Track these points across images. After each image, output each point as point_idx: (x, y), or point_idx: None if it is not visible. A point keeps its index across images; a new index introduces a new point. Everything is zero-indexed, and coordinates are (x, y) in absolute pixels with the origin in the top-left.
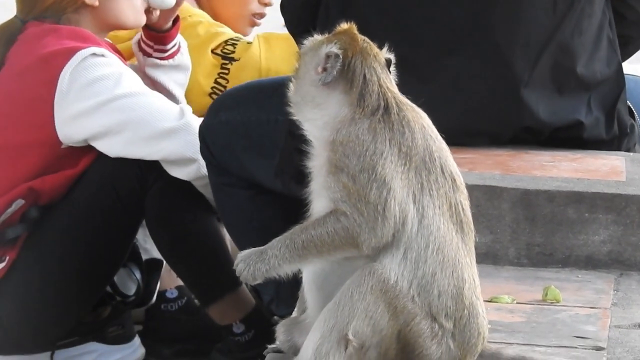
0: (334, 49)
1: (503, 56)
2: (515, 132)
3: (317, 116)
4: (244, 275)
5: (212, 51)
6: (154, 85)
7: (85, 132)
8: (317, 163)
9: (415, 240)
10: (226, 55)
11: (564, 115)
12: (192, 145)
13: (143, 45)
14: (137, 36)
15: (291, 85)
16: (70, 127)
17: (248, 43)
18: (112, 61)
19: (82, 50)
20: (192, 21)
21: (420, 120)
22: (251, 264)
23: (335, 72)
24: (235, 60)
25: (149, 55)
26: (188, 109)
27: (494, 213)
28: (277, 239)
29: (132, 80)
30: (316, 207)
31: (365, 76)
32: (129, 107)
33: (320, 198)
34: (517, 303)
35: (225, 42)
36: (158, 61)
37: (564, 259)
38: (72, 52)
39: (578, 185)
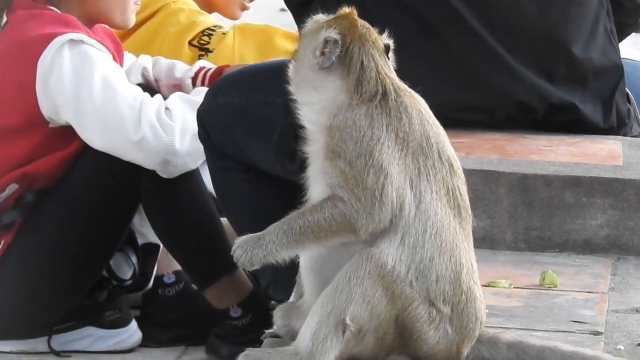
0: (333, 34)
1: (487, 38)
2: (510, 108)
3: (314, 100)
4: (241, 261)
5: (189, 43)
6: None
7: (66, 119)
8: (314, 148)
9: (412, 225)
10: (202, 46)
11: (559, 95)
12: (154, 155)
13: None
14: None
15: (291, 66)
16: (53, 112)
17: (223, 34)
18: (89, 50)
19: (60, 37)
20: (175, 8)
21: (418, 105)
22: (249, 250)
23: (333, 58)
24: (210, 51)
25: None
26: (145, 106)
27: (492, 197)
28: (275, 224)
29: (105, 72)
30: (313, 192)
31: (362, 63)
32: (97, 102)
33: (317, 183)
34: (514, 287)
35: (202, 32)
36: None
37: (562, 244)
38: (50, 38)
39: (575, 169)
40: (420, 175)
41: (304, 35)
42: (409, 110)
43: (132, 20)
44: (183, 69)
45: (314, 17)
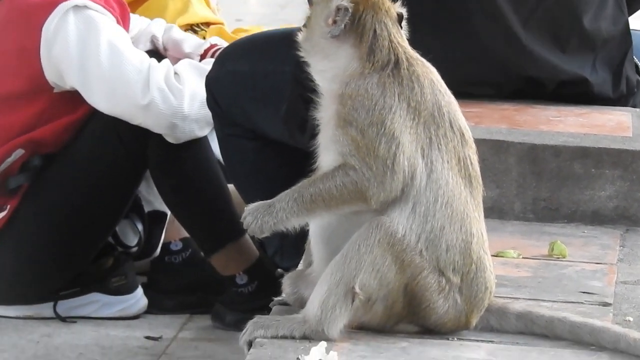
0: (345, 2)
1: (501, 9)
2: (519, 83)
3: (326, 67)
4: (251, 228)
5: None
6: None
7: (72, 84)
8: (325, 115)
9: (424, 194)
10: None
11: (569, 70)
12: (162, 118)
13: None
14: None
15: (302, 32)
16: (58, 78)
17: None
18: (94, 15)
19: (64, 3)
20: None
21: (430, 75)
22: (259, 217)
23: (343, 26)
24: None
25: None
26: (153, 69)
27: (501, 167)
28: (285, 192)
29: (111, 36)
30: (324, 160)
31: (375, 31)
32: (104, 67)
33: (328, 151)
34: (523, 258)
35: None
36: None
37: (570, 214)
38: (54, 4)
39: (584, 140)
40: (431, 144)
41: (316, 2)
42: (421, 79)
43: None
44: (194, 44)
45: None
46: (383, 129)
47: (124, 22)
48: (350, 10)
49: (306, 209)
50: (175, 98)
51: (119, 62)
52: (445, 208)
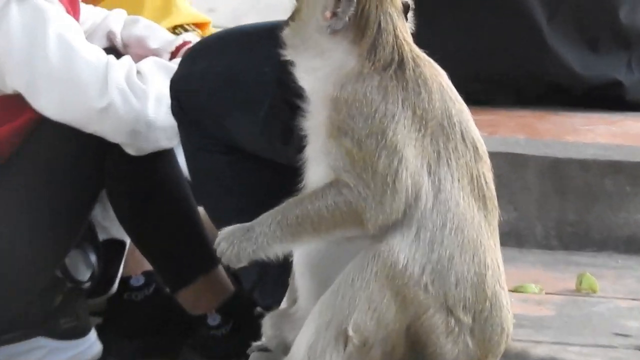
0: None
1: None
2: (542, 88)
3: (318, 65)
4: (226, 255)
5: None
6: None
7: (14, 85)
8: (314, 123)
9: (430, 217)
10: None
11: (599, 73)
12: (122, 124)
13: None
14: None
15: (289, 25)
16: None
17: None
18: (40, 4)
19: None
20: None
21: (439, 78)
22: (236, 243)
23: (346, 19)
24: None
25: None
26: (112, 67)
27: (518, 185)
28: (267, 213)
29: (61, 29)
30: (312, 176)
31: (380, 24)
32: (53, 65)
33: (317, 165)
34: (545, 293)
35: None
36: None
37: (601, 241)
38: None
39: (617, 152)
40: (440, 159)
41: None
42: (428, 83)
43: None
44: (162, 39)
45: None
46: (384, 141)
47: (74, 12)
48: (354, 1)
49: (291, 234)
50: (138, 100)
51: (70, 58)
52: (455, 234)
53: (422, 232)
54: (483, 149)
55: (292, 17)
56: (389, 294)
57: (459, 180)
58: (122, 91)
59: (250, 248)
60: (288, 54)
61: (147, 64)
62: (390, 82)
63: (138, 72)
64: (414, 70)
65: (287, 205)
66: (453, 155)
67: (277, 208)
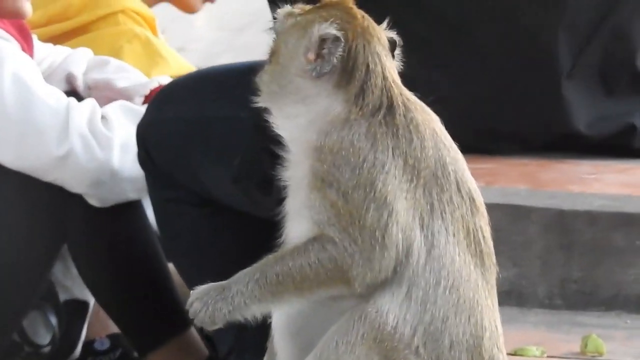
0: (332, 29)
1: (541, 39)
2: (549, 137)
3: (299, 112)
4: (200, 317)
5: None
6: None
7: None
8: (295, 173)
9: (422, 275)
10: None
11: (613, 120)
12: (84, 174)
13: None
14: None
15: (265, 71)
16: None
17: None
18: None
19: None
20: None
21: (432, 124)
22: (210, 303)
23: (334, 61)
24: None
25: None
26: (73, 111)
27: (519, 240)
28: (244, 271)
29: (16, 68)
30: (293, 231)
31: (368, 66)
32: (9, 109)
33: (299, 219)
34: (548, 357)
35: None
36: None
37: (609, 300)
38: None
39: (628, 204)
40: (433, 212)
41: (286, 32)
42: (420, 129)
43: (26, 8)
44: (135, 80)
45: (284, 10)
46: (372, 193)
47: (28, 50)
48: (342, 40)
49: (271, 293)
50: (102, 149)
51: (27, 99)
52: (450, 293)
53: (414, 291)
54: (480, 201)
55: (271, 60)
56: (377, 358)
57: (454, 234)
58: (84, 137)
59: (226, 309)
60: (263, 102)
61: (113, 108)
62: (380, 129)
63: (103, 117)
64: (404, 116)
65: (266, 262)
66: (448, 207)
67: (255, 265)
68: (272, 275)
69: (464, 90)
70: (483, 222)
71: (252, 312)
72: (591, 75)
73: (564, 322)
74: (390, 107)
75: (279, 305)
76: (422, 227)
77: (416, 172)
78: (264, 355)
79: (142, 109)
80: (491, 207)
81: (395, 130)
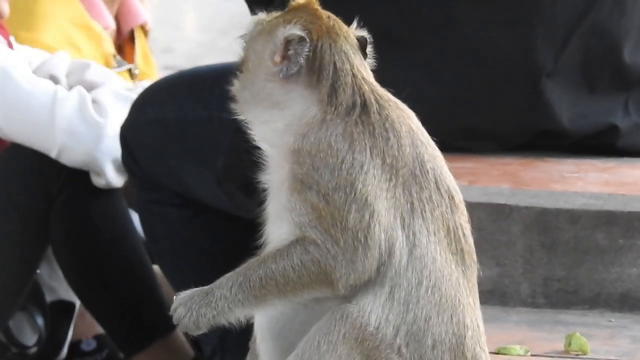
0: (296, 30)
1: (520, 36)
2: (530, 136)
3: (275, 117)
4: (184, 322)
5: None
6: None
7: None
8: (275, 177)
9: (404, 275)
10: None
11: (595, 119)
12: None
13: None
14: None
15: (236, 81)
16: None
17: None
18: None
19: None
20: None
21: (407, 120)
22: (194, 309)
23: (301, 61)
24: None
25: None
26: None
27: (502, 239)
28: (227, 275)
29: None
30: (274, 233)
31: (335, 64)
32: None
33: (279, 221)
34: (531, 355)
35: None
36: None
37: (592, 298)
38: None
39: (609, 202)
40: (413, 211)
41: (253, 39)
42: (396, 127)
43: (4, 8)
44: (119, 84)
45: (254, 17)
46: (353, 194)
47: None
48: (307, 40)
49: (254, 297)
50: (93, 137)
51: (14, 91)
52: (432, 293)
53: (397, 291)
54: (459, 198)
55: (240, 68)
56: (359, 358)
57: (434, 233)
58: (70, 134)
59: (210, 314)
60: (240, 111)
61: (104, 92)
62: (356, 129)
63: (94, 102)
64: (379, 113)
65: (249, 266)
66: (427, 206)
67: (238, 269)
68: (256, 279)
69: (443, 88)
70: (463, 219)
71: (236, 316)
72: (572, 73)
73: (547, 320)
74: (364, 106)
75: (262, 308)
76: (403, 226)
77: (394, 171)
78: (246, 355)
79: (131, 94)
80: (473, 207)
81: (371, 129)
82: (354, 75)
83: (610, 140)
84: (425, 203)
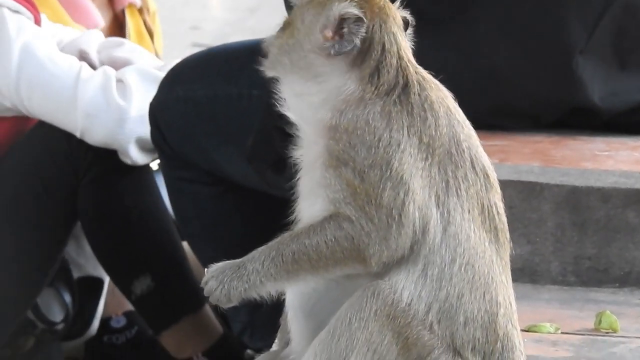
0: (353, 9)
1: (553, 14)
2: (562, 114)
3: (312, 90)
4: (215, 295)
5: None
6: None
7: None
8: (309, 153)
9: (438, 253)
10: None
11: (626, 97)
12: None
13: None
14: None
15: (275, 41)
16: None
17: None
18: (5, 13)
19: None
20: None
21: (446, 101)
22: (226, 281)
23: (356, 41)
24: None
25: None
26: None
27: (533, 217)
28: (259, 249)
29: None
30: (307, 210)
31: (384, 45)
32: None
33: (313, 198)
34: (562, 333)
35: None
36: None
37: (623, 277)
38: None
39: None
40: (448, 189)
41: (303, 6)
42: (435, 107)
43: None
44: (151, 64)
45: None
46: (389, 172)
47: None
48: (365, 21)
49: (286, 271)
50: (114, 120)
51: (39, 72)
52: (465, 270)
53: (430, 268)
54: (494, 177)
55: (284, 32)
56: (390, 334)
57: (469, 211)
58: (90, 117)
59: (241, 287)
60: (268, 70)
61: (130, 71)
62: (394, 108)
63: (119, 81)
64: (419, 94)
65: (282, 241)
66: (463, 184)
67: (270, 243)
68: (288, 253)
69: (475, 67)
70: (497, 198)
71: (268, 290)
72: (604, 52)
73: (578, 299)
74: (405, 86)
75: (294, 283)
76: (437, 204)
77: (431, 150)
78: (276, 332)
79: (159, 73)
80: (504, 184)
81: (410, 109)
82: (399, 57)
83: None
84: (461, 181)
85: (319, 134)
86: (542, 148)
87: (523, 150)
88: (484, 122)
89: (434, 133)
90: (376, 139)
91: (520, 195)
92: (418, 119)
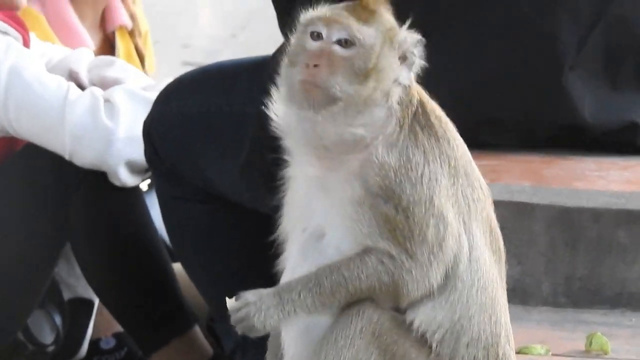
0: (414, 34)
1: (542, 29)
2: (552, 130)
3: (357, 122)
4: (250, 322)
5: None
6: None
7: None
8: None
9: (461, 278)
10: None
11: (616, 115)
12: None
13: None
14: None
15: (353, 87)
16: None
17: None
18: None
19: None
20: None
21: (448, 119)
22: (264, 309)
23: (420, 62)
24: None
25: None
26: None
27: (524, 237)
28: (295, 280)
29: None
30: (331, 239)
31: None
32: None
33: (335, 228)
34: (552, 355)
35: None
36: None
37: (614, 298)
38: None
39: (631, 201)
40: (470, 213)
41: (380, 31)
42: (450, 126)
43: (21, 0)
44: (143, 83)
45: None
46: (432, 208)
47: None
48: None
49: (322, 303)
50: (101, 142)
51: (25, 93)
52: (481, 294)
53: (452, 293)
54: (489, 193)
55: (365, 76)
56: (377, 352)
57: (483, 232)
58: (77, 138)
59: (277, 316)
60: (335, 114)
61: (118, 92)
62: (424, 135)
63: (107, 101)
64: (434, 113)
65: (321, 272)
66: (478, 206)
67: (307, 274)
68: (328, 285)
69: (463, 80)
70: (494, 214)
71: (297, 320)
72: (594, 67)
73: (569, 320)
74: (423, 108)
75: (321, 313)
76: (465, 231)
77: (454, 172)
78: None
79: (146, 94)
80: (495, 204)
81: (434, 132)
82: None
83: (631, 137)
84: (477, 203)
85: (351, 170)
86: (533, 168)
87: (514, 170)
88: (476, 138)
89: (457, 155)
90: (419, 174)
91: (512, 215)
92: (444, 142)
